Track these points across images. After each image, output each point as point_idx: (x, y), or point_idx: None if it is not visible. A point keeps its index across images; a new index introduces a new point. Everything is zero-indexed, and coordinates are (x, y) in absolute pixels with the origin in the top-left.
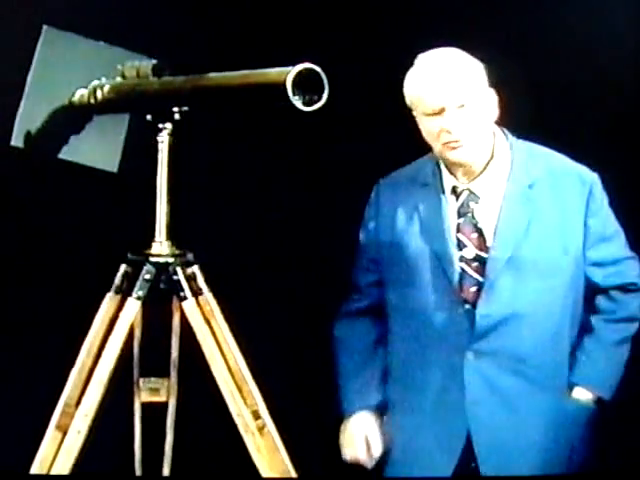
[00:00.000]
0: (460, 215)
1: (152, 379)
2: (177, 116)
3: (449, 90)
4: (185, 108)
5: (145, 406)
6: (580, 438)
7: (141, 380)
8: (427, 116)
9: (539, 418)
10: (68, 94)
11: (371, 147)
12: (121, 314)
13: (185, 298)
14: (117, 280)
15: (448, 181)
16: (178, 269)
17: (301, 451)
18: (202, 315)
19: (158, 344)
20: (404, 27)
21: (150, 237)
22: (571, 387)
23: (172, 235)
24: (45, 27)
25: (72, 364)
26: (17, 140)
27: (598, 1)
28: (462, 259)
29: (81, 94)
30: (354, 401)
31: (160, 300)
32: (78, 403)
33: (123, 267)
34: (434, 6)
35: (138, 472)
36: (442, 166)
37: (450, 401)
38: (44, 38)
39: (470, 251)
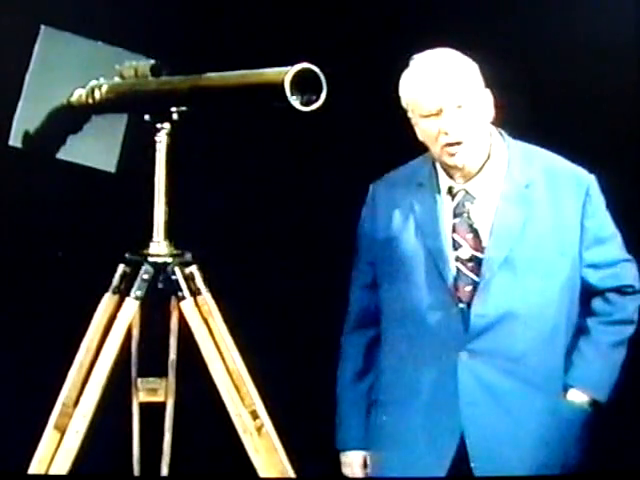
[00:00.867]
0: (456, 215)
1: (150, 379)
2: (175, 116)
3: (447, 90)
4: (183, 108)
5: (143, 406)
6: (575, 440)
7: (139, 380)
8: (424, 118)
9: (533, 419)
10: (66, 94)
11: (368, 147)
12: (119, 314)
13: (183, 298)
14: (115, 280)
15: (444, 181)
16: (176, 269)
17: (299, 451)
18: (200, 315)
19: (156, 344)
20: (401, 27)
21: (148, 237)
22: (566, 389)
23: (170, 235)
24: (43, 27)
25: (70, 364)
26: (15, 140)
27: (596, 1)
28: (457, 259)
29: (79, 94)
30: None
31: (158, 300)
32: (76, 403)
33: (121, 267)
34: (429, 7)
35: (136, 472)
36: (438, 166)
37: (444, 401)
38: (42, 38)
39: (466, 251)
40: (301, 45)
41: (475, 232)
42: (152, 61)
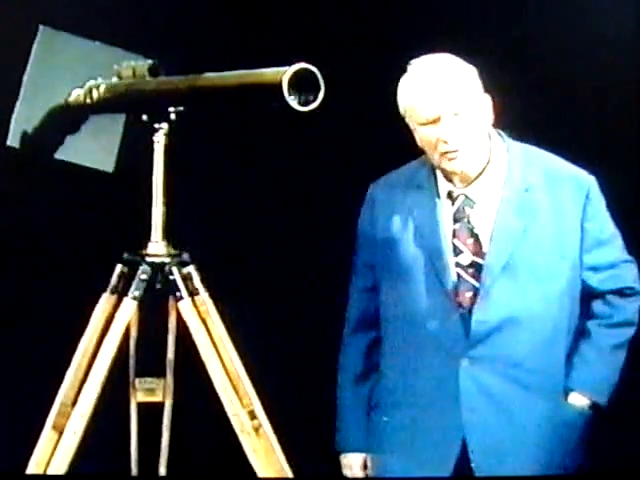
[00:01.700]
0: (456, 220)
1: (148, 379)
2: (173, 116)
3: (444, 99)
4: (181, 108)
5: (141, 406)
6: (576, 443)
7: (137, 380)
8: (422, 125)
9: (535, 423)
10: (64, 94)
11: (366, 147)
12: (117, 314)
13: (181, 298)
14: (113, 280)
15: (443, 185)
16: (174, 269)
17: (297, 451)
18: (198, 315)
19: (154, 344)
20: (399, 28)
21: (146, 237)
22: (567, 392)
23: (168, 235)
24: (41, 27)
25: (68, 364)
26: (13, 140)
27: (594, 3)
28: (458, 265)
29: (77, 94)
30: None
31: (156, 300)
32: (74, 403)
33: (119, 267)
34: (428, 10)
35: (134, 472)
36: (437, 170)
37: (445, 406)
38: (40, 38)
39: (466, 257)
40: (299, 45)
41: (476, 237)
42: (150, 61)
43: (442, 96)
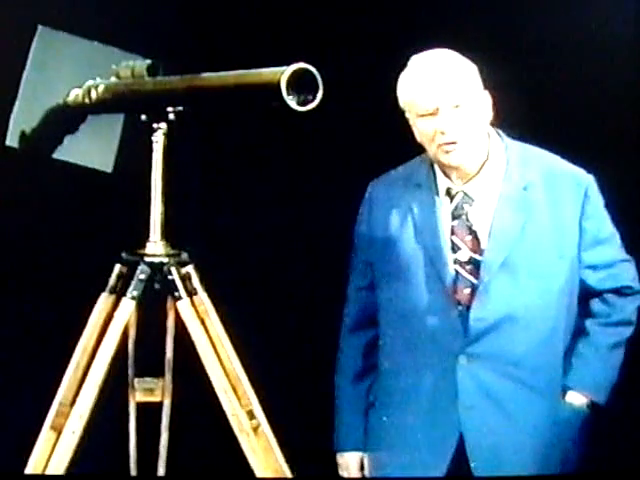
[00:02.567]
0: (454, 217)
1: (147, 379)
2: (172, 116)
3: (443, 90)
4: (180, 108)
5: (140, 406)
6: (574, 442)
7: (136, 380)
8: (421, 117)
9: (533, 422)
10: (63, 94)
11: (364, 146)
12: (116, 314)
13: (180, 298)
14: (112, 280)
15: (442, 183)
16: (173, 269)
17: (296, 451)
18: (197, 315)
19: (153, 344)
20: (398, 27)
21: (145, 237)
22: (565, 391)
23: (167, 235)
24: (40, 27)
25: (67, 364)
26: (11, 140)
27: (594, 1)
28: (456, 262)
29: (76, 94)
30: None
31: (155, 300)
32: (73, 403)
33: (118, 267)
34: (428, 8)
35: (133, 472)
36: (436, 167)
37: (443, 404)
38: (39, 38)
39: (464, 254)
40: (298, 45)
41: (474, 234)
42: (149, 61)
43: (441, 87)
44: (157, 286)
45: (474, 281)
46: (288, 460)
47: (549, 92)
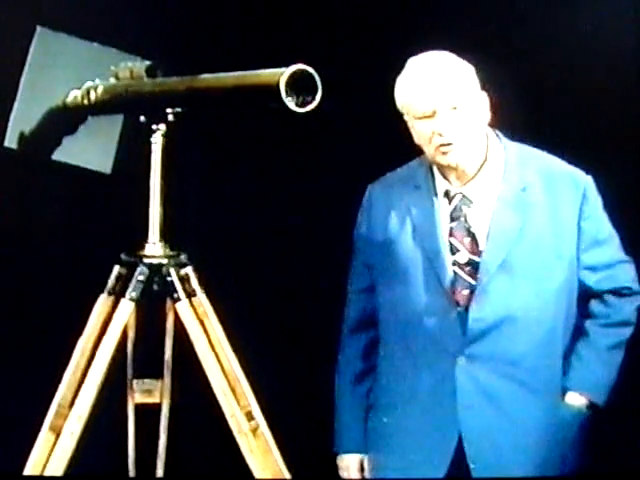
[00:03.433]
0: (453, 219)
1: (146, 380)
2: (171, 117)
3: (440, 92)
4: (178, 109)
5: (139, 407)
6: (573, 443)
7: (135, 381)
8: (419, 119)
9: (532, 423)
10: (62, 95)
11: (363, 148)
12: (114, 315)
13: (179, 299)
14: (110, 281)
15: (441, 184)
16: (172, 270)
17: (294, 452)
18: (196, 316)
19: (152, 345)
20: (397, 28)
21: (144, 238)
22: (564, 392)
23: (165, 236)
24: (39, 28)
25: (66, 365)
26: (10, 141)
27: (591, 2)
28: (455, 263)
29: (75, 95)
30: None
31: (153, 301)
32: (72, 404)
33: (117, 268)
34: (426, 9)
35: (132, 473)
36: (435, 169)
37: (442, 405)
38: (38, 39)
39: (463, 255)
40: (297, 46)
41: (472, 236)
42: (147, 62)
43: (438, 90)
44: (156, 287)
45: (473, 282)
46: (287, 462)
47: (547, 93)
